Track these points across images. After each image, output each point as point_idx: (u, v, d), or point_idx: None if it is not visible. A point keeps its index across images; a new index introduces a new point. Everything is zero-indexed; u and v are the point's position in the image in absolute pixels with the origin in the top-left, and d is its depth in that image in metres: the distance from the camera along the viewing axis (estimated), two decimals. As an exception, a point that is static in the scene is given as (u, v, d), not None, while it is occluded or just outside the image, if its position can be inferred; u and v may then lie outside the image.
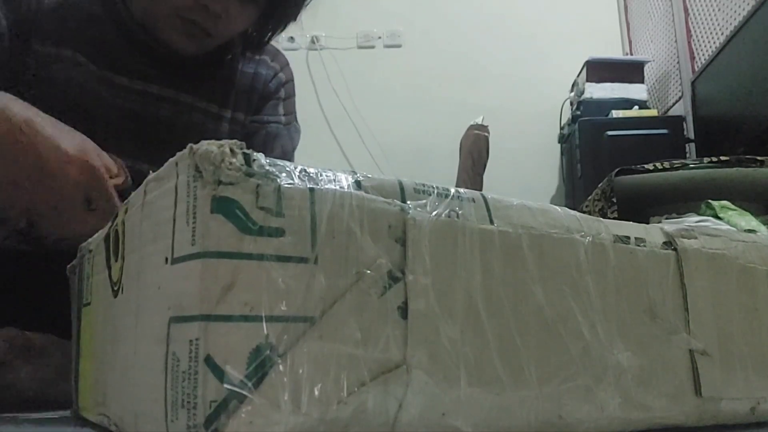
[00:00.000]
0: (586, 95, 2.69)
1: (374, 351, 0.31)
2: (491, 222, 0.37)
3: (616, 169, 1.52)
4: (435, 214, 0.35)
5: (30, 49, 0.84)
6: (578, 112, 2.69)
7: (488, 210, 0.38)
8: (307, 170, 0.32)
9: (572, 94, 2.89)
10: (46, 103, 0.84)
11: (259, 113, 1.03)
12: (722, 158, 1.47)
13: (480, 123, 2.85)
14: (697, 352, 0.43)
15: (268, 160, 0.31)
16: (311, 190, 0.31)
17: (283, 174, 0.31)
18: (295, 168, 0.32)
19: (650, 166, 1.49)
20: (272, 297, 0.29)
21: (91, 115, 0.86)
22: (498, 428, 0.35)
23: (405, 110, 3.16)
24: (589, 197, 1.70)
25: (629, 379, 0.40)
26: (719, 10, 2.27)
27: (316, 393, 0.29)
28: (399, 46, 3.27)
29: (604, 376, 0.39)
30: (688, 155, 2.40)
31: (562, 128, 2.98)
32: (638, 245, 0.43)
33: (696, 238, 0.46)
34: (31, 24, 0.85)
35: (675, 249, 0.45)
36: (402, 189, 0.36)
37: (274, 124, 1.04)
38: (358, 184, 0.34)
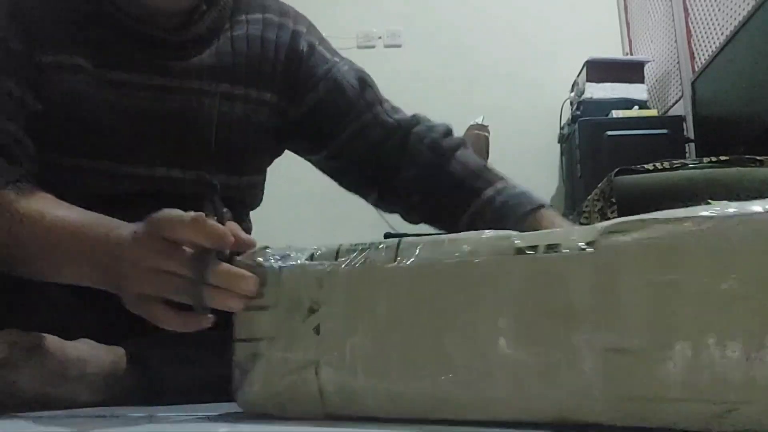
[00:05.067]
0: (586, 95, 2.69)
1: (298, 354, 0.56)
2: (395, 260, 0.54)
3: (616, 169, 1.52)
4: (349, 265, 0.55)
5: (32, 61, 0.82)
6: (578, 112, 2.69)
7: (397, 251, 0.54)
8: (282, 254, 0.59)
9: (572, 94, 2.89)
10: (53, 121, 0.81)
11: (314, 74, 0.95)
12: (722, 158, 1.47)
13: (480, 123, 2.84)
14: (615, 351, 0.43)
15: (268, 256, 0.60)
16: (280, 268, 0.59)
17: (271, 260, 0.59)
18: (274, 254, 0.59)
19: (650, 166, 1.49)
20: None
21: (99, 124, 0.83)
22: (399, 410, 0.52)
23: (405, 110, 3.15)
24: (589, 197, 1.70)
25: (531, 375, 0.45)
26: (719, 10, 2.27)
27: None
28: (399, 46, 3.27)
29: (500, 372, 0.47)
30: (688, 155, 2.40)
31: (562, 128, 2.98)
32: (548, 252, 0.47)
33: (636, 231, 0.44)
34: (31, 35, 0.82)
35: (598, 247, 0.45)
36: (338, 251, 0.57)
37: (333, 69, 0.97)
38: (311, 257, 0.58)
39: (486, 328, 0.48)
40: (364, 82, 0.99)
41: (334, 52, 1.00)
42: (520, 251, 0.48)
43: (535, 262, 0.47)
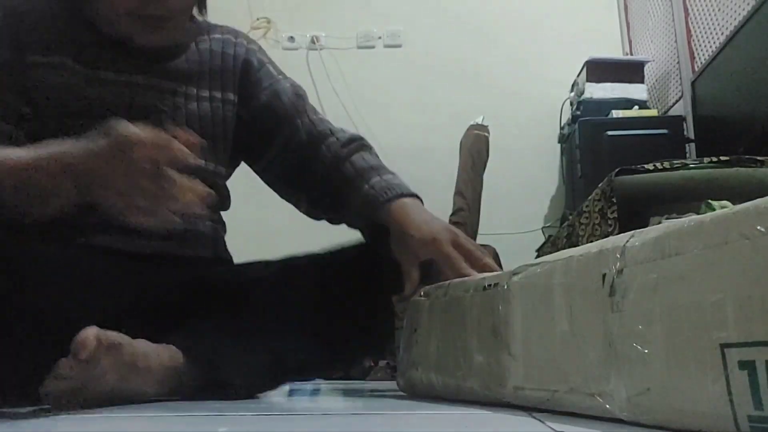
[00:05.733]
0: (586, 95, 2.69)
1: (410, 357, 0.90)
2: (445, 295, 0.81)
3: (616, 169, 1.52)
4: (429, 298, 0.86)
5: (25, 62, 0.91)
6: (578, 112, 2.69)
7: (447, 288, 0.81)
8: None
9: (572, 94, 2.89)
10: (43, 113, 0.90)
11: (261, 84, 1.10)
12: (722, 158, 1.47)
13: (480, 123, 2.84)
14: (509, 355, 0.64)
15: None
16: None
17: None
18: None
19: (650, 166, 1.49)
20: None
21: (85, 117, 0.91)
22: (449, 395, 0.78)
23: (405, 110, 3.16)
24: (589, 197, 1.70)
25: (483, 371, 0.69)
26: (719, 10, 2.27)
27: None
28: (399, 46, 3.26)
29: (470, 369, 0.71)
30: (688, 155, 2.39)
31: (562, 128, 2.98)
32: (490, 288, 0.68)
33: (522, 272, 0.63)
34: (22, 39, 0.91)
35: (504, 285, 0.65)
36: (429, 291, 0.88)
37: (276, 83, 1.11)
38: (422, 294, 0.89)
39: (467, 340, 0.72)
40: (298, 96, 1.12)
41: (279, 71, 1.14)
42: (479, 288, 0.71)
43: (485, 294, 0.69)
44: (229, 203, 1.12)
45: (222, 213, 1.12)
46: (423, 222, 0.94)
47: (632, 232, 0.51)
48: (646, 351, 0.46)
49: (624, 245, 0.50)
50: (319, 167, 1.07)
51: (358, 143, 1.09)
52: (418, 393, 0.85)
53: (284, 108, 1.09)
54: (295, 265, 1.01)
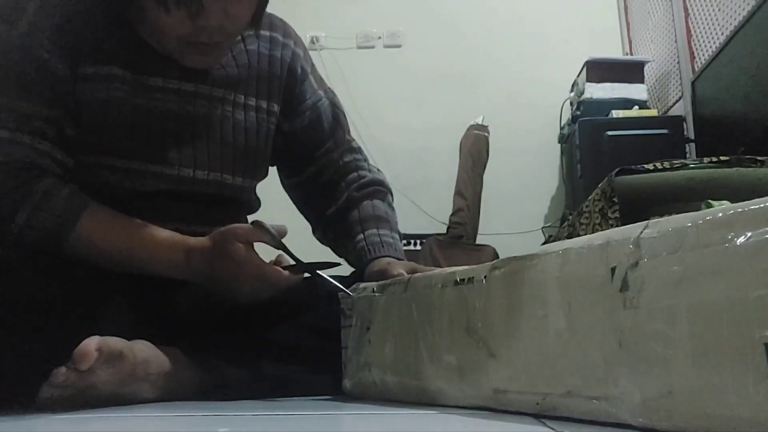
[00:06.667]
0: (586, 95, 2.69)
1: (361, 357, 0.79)
2: (405, 291, 0.74)
3: (616, 169, 1.52)
4: (386, 294, 0.78)
5: (76, 73, 0.87)
6: (578, 112, 2.69)
7: (407, 284, 0.74)
8: (362, 287, 0.83)
9: (572, 94, 2.89)
10: (91, 125, 0.88)
11: (304, 101, 1.07)
12: (722, 158, 1.47)
13: (480, 123, 2.85)
14: (489, 355, 0.59)
15: None
16: (357, 298, 0.83)
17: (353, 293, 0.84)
18: (358, 287, 0.84)
19: (650, 166, 1.49)
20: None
21: (132, 127, 0.90)
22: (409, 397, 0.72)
23: (405, 110, 3.16)
24: (589, 197, 1.70)
25: (453, 373, 0.64)
26: (719, 10, 2.27)
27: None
28: (399, 46, 3.26)
29: (438, 370, 0.66)
30: (688, 155, 2.40)
31: (562, 128, 2.98)
32: (464, 283, 0.64)
33: (505, 266, 0.59)
34: (76, 49, 0.87)
35: (482, 280, 0.61)
36: (384, 285, 0.79)
37: (318, 102, 1.09)
38: (374, 289, 0.81)
39: (434, 339, 0.67)
40: (338, 121, 1.11)
41: (320, 82, 1.12)
42: (451, 283, 0.65)
43: (457, 291, 0.64)
44: (259, 205, 1.10)
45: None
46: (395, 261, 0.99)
47: (645, 222, 0.46)
48: (668, 351, 0.42)
49: (639, 236, 0.45)
50: (332, 205, 1.08)
51: (374, 188, 1.09)
52: (370, 396, 0.78)
53: (323, 137, 1.08)
54: (314, 285, 0.99)
